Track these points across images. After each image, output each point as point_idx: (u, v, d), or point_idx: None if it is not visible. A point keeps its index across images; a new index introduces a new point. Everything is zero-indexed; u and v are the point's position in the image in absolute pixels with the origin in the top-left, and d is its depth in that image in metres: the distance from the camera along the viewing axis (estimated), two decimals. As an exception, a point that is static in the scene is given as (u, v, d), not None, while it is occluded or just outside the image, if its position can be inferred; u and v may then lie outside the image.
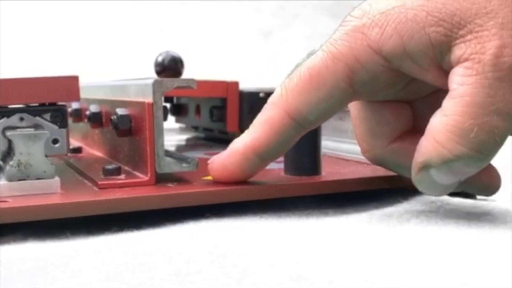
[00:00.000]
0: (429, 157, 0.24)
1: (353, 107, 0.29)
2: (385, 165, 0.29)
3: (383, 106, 0.28)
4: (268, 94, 0.43)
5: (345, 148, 0.37)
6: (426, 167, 0.24)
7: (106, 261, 0.21)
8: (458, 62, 0.23)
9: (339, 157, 0.36)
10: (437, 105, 0.25)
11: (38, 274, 0.20)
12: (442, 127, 0.23)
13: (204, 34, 1.00)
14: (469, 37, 0.23)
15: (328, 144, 0.38)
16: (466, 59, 0.23)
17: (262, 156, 0.27)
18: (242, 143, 0.27)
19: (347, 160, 0.35)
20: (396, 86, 0.27)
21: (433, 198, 0.30)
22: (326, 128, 0.38)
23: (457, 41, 0.23)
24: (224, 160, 0.27)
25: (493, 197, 0.30)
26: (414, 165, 0.25)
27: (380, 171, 0.31)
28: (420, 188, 0.26)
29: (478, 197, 0.31)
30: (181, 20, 1.02)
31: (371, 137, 0.28)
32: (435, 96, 0.27)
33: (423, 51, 0.24)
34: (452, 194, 0.31)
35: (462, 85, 0.23)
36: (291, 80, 0.26)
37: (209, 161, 0.28)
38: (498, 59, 0.23)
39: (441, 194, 0.27)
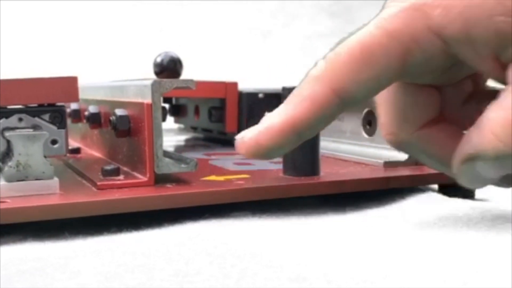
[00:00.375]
0: (481, 150, 0.23)
1: None
2: (408, 150, 0.28)
3: (417, 90, 0.27)
4: (267, 94, 0.43)
5: (343, 149, 0.37)
6: (473, 159, 0.23)
7: (105, 261, 0.21)
8: None
9: (338, 158, 0.36)
10: (463, 92, 0.24)
11: (37, 275, 0.20)
12: (501, 121, 0.23)
13: (203, 34, 1.00)
14: None
15: (326, 145, 0.38)
16: None
17: (301, 133, 0.25)
18: (279, 119, 0.25)
19: (346, 161, 0.35)
20: (440, 70, 0.25)
21: (431, 199, 0.30)
22: (324, 128, 0.38)
23: None
24: (258, 136, 0.25)
25: (492, 198, 0.30)
26: (458, 156, 0.24)
27: (379, 172, 0.31)
28: (460, 180, 0.24)
29: (477, 197, 0.31)
30: (180, 21, 1.02)
31: (398, 120, 0.27)
32: (464, 83, 0.27)
33: (486, 40, 0.23)
34: (450, 195, 0.31)
35: None
36: (338, 55, 0.24)
37: (237, 137, 0.25)
38: None
39: (480, 187, 0.26)
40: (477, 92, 0.27)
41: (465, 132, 0.25)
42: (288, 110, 0.24)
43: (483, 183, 0.24)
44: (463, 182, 0.25)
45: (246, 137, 0.25)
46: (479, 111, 0.23)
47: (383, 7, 0.24)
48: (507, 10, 0.22)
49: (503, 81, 0.23)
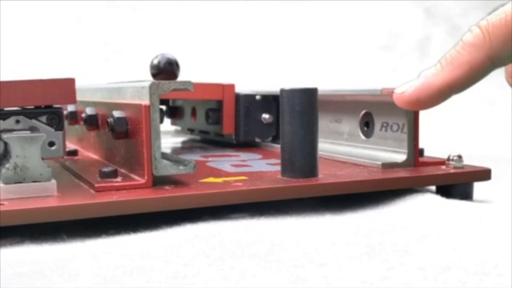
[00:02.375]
0: None
1: None
2: None
3: None
4: (264, 96, 0.43)
5: (341, 151, 0.37)
6: None
7: (103, 264, 0.21)
8: None
9: (336, 160, 0.36)
10: None
11: (35, 278, 0.20)
12: None
13: (200, 36, 1.00)
14: None
15: (324, 147, 0.38)
16: None
17: (454, 91, 0.29)
18: (439, 79, 0.29)
19: (344, 163, 0.35)
20: None
21: (429, 200, 0.30)
22: (322, 130, 0.38)
23: None
24: (418, 93, 0.29)
25: (490, 199, 0.30)
26: None
27: (377, 174, 0.31)
28: None
29: (475, 199, 0.31)
30: (176, 22, 1.02)
31: None
32: None
33: None
34: (448, 196, 0.31)
35: None
36: (495, 27, 0.28)
37: (397, 91, 0.30)
38: None
39: None
40: None
41: None
42: (446, 72, 0.29)
43: None
44: None
45: (407, 92, 0.30)
46: None
47: None
48: None
49: None
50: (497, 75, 0.31)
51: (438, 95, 0.29)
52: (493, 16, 0.28)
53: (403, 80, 0.30)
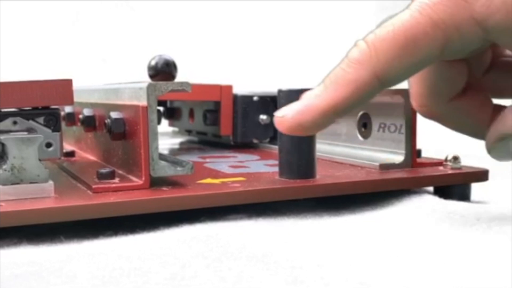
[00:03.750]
0: None
1: None
2: (442, 121, 0.28)
3: (448, 65, 0.27)
4: (262, 97, 0.43)
5: (339, 152, 0.37)
6: (507, 138, 0.25)
7: (101, 265, 0.21)
8: None
9: (333, 161, 0.36)
10: (485, 62, 0.27)
11: (32, 279, 0.20)
12: None
13: (198, 37, 1.00)
14: None
15: (322, 148, 0.38)
16: None
17: (340, 114, 0.26)
18: (322, 101, 0.25)
19: (341, 163, 0.35)
20: (473, 51, 0.26)
21: (427, 201, 0.30)
22: (320, 131, 0.38)
23: None
24: (299, 116, 0.26)
25: (487, 200, 0.30)
26: (492, 134, 0.25)
27: (374, 175, 0.31)
28: (492, 155, 0.26)
29: (473, 200, 0.31)
30: (175, 22, 1.02)
31: (431, 94, 0.28)
32: (486, 53, 0.28)
33: None
34: (446, 197, 0.31)
35: None
36: (382, 41, 0.25)
37: (277, 115, 0.26)
38: None
39: (508, 161, 0.27)
40: (496, 60, 0.28)
41: (491, 98, 0.27)
42: (330, 92, 0.25)
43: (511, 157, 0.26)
44: (494, 156, 0.26)
45: (287, 116, 0.26)
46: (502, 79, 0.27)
47: None
48: None
49: None
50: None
51: (321, 119, 0.25)
52: (381, 29, 0.25)
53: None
